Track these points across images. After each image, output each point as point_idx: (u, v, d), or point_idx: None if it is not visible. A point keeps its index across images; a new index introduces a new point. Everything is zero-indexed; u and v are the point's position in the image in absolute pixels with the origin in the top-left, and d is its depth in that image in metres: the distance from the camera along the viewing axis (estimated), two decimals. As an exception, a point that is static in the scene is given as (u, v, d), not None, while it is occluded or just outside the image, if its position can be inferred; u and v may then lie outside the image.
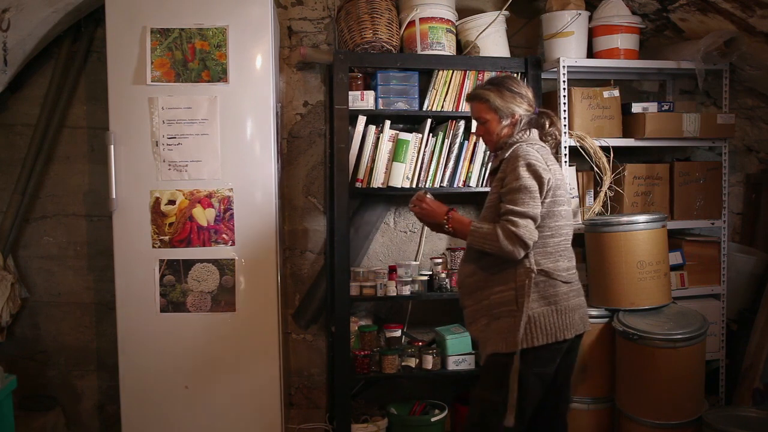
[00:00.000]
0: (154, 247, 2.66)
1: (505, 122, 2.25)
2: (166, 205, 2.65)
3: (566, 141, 2.98)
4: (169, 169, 2.65)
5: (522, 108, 2.25)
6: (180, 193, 2.66)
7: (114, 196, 2.63)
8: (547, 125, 2.30)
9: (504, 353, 2.09)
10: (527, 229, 2.04)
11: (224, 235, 2.68)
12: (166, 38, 2.63)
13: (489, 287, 2.16)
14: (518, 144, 2.18)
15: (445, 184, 3.10)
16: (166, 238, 2.66)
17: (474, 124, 3.08)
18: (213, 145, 2.66)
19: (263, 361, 2.71)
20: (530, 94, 2.29)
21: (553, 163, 2.17)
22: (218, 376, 2.70)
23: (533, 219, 2.07)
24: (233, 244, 2.68)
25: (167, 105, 2.64)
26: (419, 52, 3.05)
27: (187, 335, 2.68)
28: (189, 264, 2.67)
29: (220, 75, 2.65)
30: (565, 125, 2.99)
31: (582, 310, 2.19)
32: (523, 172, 2.07)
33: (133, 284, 2.66)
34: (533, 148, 2.15)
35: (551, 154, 2.22)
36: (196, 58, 2.65)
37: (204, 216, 2.67)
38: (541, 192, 2.09)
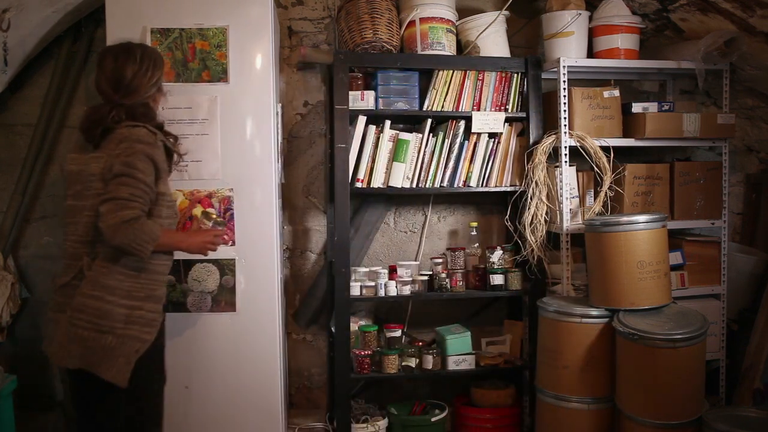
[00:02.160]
0: None
1: None
2: None
3: (566, 141, 2.98)
4: (174, 170, 2.61)
5: None
6: (180, 193, 2.64)
7: None
8: None
9: None
10: None
11: (224, 236, 2.65)
12: (167, 38, 2.63)
13: None
14: None
15: (445, 184, 3.10)
16: None
17: (474, 125, 3.09)
18: (213, 145, 2.65)
19: (265, 361, 2.70)
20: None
21: (77, 152, 2.08)
22: (219, 375, 2.69)
23: None
24: (233, 244, 2.67)
25: (167, 105, 2.59)
26: (419, 52, 3.05)
27: (187, 335, 2.67)
28: (189, 264, 2.65)
29: (220, 75, 2.65)
30: (565, 125, 2.99)
31: (50, 328, 2.00)
32: None
33: None
34: None
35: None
36: (196, 58, 2.64)
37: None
38: None
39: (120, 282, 1.93)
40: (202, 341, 2.68)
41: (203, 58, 2.64)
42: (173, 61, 2.63)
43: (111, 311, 1.90)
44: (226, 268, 2.67)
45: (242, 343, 2.69)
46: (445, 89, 3.08)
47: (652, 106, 3.08)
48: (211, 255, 2.57)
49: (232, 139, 2.66)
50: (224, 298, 2.67)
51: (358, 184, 3.02)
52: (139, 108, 2.04)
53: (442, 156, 3.08)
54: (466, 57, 3.15)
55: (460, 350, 3.07)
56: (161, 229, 1.99)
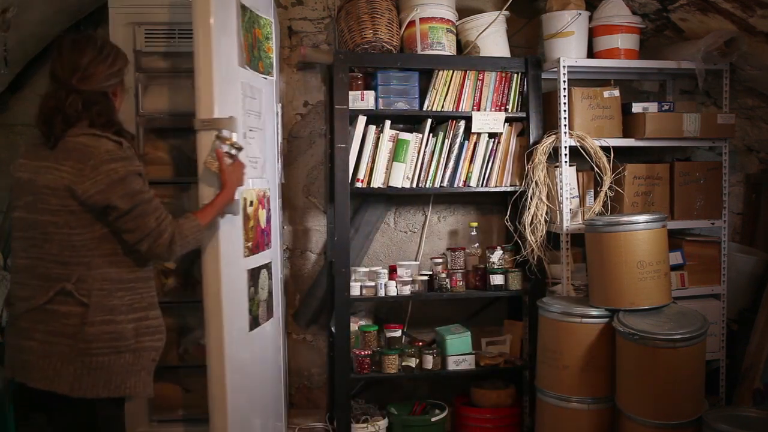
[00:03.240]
0: (245, 256, 2.24)
1: None
2: (249, 206, 2.27)
3: (566, 141, 2.98)
4: (250, 166, 2.26)
5: None
6: (254, 192, 2.31)
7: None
8: None
9: None
10: None
11: (269, 237, 2.44)
12: (245, 17, 2.24)
13: None
14: None
15: (445, 184, 3.10)
16: (250, 244, 2.26)
17: (474, 125, 3.09)
18: (265, 141, 2.44)
19: (269, 362, 2.62)
20: None
21: (27, 158, 1.88)
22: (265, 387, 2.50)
23: None
24: (270, 246, 2.47)
25: (248, 93, 2.26)
26: (419, 52, 3.05)
27: (264, 352, 2.43)
28: (257, 272, 2.34)
29: (269, 69, 2.44)
30: (565, 125, 2.99)
31: (14, 354, 1.87)
32: None
33: (226, 302, 2.13)
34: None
35: (40, 146, 1.87)
36: (256, 45, 2.34)
37: (263, 217, 2.39)
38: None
39: (121, 299, 1.87)
40: (264, 355, 2.45)
41: (259, 47, 2.35)
42: (248, 43, 2.27)
43: (123, 330, 1.86)
44: (269, 271, 2.46)
45: (268, 347, 2.52)
46: (445, 89, 3.08)
47: (652, 106, 3.08)
48: (264, 260, 2.39)
49: (266, 137, 2.49)
50: (270, 304, 2.47)
51: (358, 184, 3.02)
52: (96, 98, 1.87)
53: (442, 156, 3.08)
54: (466, 57, 3.15)
55: (460, 350, 3.07)
56: (197, 214, 1.98)
